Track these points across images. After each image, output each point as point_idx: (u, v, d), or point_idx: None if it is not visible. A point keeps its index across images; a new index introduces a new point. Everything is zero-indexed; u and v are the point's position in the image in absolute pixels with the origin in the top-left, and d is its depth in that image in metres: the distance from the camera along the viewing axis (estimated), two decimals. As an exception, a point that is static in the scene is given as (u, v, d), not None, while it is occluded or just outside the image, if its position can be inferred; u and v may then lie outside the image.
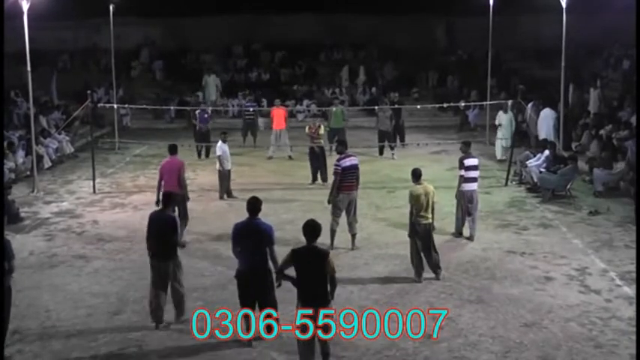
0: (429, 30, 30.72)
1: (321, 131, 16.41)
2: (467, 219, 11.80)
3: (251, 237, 7.80)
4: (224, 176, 14.45)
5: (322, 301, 6.97)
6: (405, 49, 29.54)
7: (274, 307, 7.96)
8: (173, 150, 11.80)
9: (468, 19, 27.50)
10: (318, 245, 7.17)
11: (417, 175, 10.03)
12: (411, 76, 28.71)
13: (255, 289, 7.86)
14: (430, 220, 9.87)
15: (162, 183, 11.42)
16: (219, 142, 14.51)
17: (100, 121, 23.00)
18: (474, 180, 11.80)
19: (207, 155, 18.89)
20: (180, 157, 12.09)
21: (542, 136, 18.05)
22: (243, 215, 8.11)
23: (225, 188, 14.47)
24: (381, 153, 19.42)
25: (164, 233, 8.45)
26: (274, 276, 7.62)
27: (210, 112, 20.30)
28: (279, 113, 19.40)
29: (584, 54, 26.25)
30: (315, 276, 6.97)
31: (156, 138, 21.76)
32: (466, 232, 11.90)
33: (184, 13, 30.09)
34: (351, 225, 11.34)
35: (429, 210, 9.84)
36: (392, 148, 19.15)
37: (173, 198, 9.05)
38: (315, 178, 16.10)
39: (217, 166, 14.47)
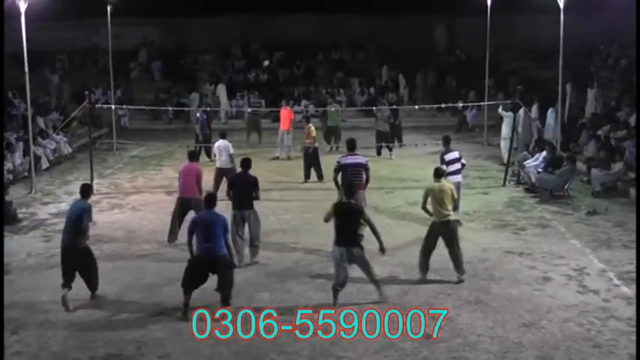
0: (427, 30, 30.73)
1: (313, 133, 16.63)
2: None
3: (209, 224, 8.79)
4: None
5: (353, 243, 8.90)
6: (404, 50, 29.53)
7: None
8: (192, 156, 12.10)
9: (466, 20, 27.52)
10: (353, 202, 9.09)
11: (437, 173, 10.14)
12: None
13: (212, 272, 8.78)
14: (448, 217, 9.77)
15: (180, 187, 11.73)
16: (223, 141, 14.45)
17: (98, 121, 22.97)
18: (456, 172, 12.38)
19: (209, 156, 18.74)
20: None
21: (549, 136, 18.01)
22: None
23: None
24: (378, 153, 19.45)
25: (245, 191, 10.45)
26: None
27: (207, 115, 20.24)
28: (284, 114, 19.47)
29: (582, 54, 26.28)
30: (348, 225, 8.88)
31: (154, 139, 21.78)
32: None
33: (183, 13, 30.10)
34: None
35: (444, 206, 9.76)
36: (390, 149, 19.20)
37: (250, 161, 10.80)
38: (307, 177, 16.20)
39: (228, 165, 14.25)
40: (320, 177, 16.11)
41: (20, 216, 13.38)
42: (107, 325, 8.58)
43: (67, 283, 9.12)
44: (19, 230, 12.63)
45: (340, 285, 8.88)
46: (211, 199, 9.15)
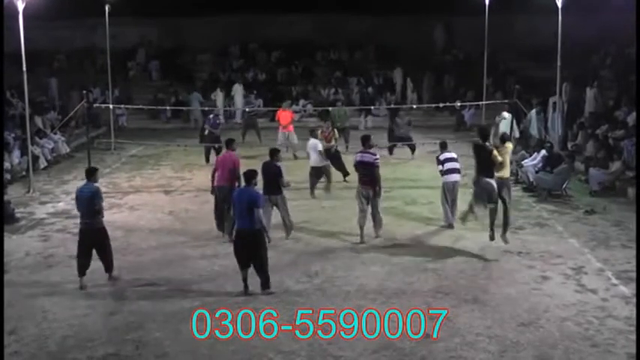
0: (425, 30, 30.70)
1: (336, 134, 16.48)
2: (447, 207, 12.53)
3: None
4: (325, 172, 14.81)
5: (486, 175, 10.86)
6: (402, 49, 29.52)
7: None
8: (229, 144, 12.16)
9: (465, 19, 27.50)
10: (485, 144, 11.15)
11: (502, 139, 11.48)
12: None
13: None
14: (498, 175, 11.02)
15: (216, 175, 11.78)
16: (313, 140, 14.72)
17: (96, 121, 22.95)
18: (452, 171, 12.51)
19: (207, 159, 18.59)
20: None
21: (554, 136, 18.02)
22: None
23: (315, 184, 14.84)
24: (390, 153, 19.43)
25: (273, 177, 11.28)
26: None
27: (222, 118, 20.27)
28: (285, 115, 19.36)
29: (581, 53, 26.28)
30: (483, 160, 10.93)
31: (152, 138, 21.77)
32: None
33: (181, 12, 30.05)
34: (373, 221, 11.66)
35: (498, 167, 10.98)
36: (412, 150, 19.27)
37: (278, 151, 11.78)
38: (329, 180, 16.05)
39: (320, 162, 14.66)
40: (345, 174, 15.75)
41: (18, 215, 13.36)
42: (105, 325, 8.57)
43: (82, 270, 9.68)
44: (17, 230, 12.62)
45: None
46: (247, 175, 9.48)
